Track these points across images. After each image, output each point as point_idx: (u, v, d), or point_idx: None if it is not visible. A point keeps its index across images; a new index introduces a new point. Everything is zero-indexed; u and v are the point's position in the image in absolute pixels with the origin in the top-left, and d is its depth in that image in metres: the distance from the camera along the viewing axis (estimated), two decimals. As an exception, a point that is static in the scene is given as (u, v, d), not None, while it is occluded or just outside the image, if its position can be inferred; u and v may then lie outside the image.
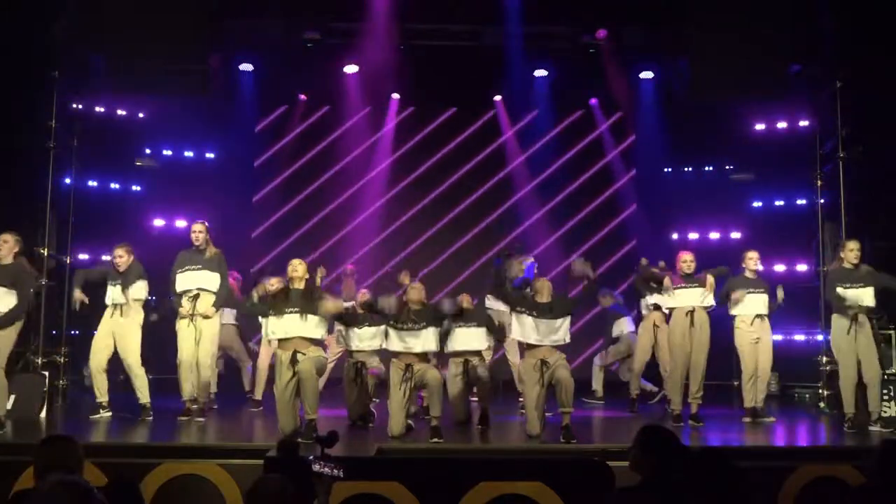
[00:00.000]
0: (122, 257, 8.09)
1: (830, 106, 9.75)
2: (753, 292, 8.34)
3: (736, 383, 11.10)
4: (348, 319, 7.81)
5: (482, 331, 7.77)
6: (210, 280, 7.94)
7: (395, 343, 7.21)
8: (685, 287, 8.20)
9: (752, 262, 8.44)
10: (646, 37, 11.02)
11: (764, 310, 8.34)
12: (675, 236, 12.32)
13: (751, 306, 8.31)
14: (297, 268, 7.09)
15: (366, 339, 7.74)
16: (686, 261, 8.26)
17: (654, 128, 12.19)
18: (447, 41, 11.04)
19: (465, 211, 12.64)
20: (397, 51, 10.90)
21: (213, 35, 10.24)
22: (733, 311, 8.41)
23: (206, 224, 8.11)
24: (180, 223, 12.26)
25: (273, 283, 7.01)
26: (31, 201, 9.49)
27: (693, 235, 12.30)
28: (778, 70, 10.21)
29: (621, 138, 12.78)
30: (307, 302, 6.93)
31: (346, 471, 3.68)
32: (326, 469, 3.64)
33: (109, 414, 7.93)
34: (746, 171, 12.13)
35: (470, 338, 7.68)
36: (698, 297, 8.14)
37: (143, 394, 7.99)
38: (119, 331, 7.99)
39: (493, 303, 9.99)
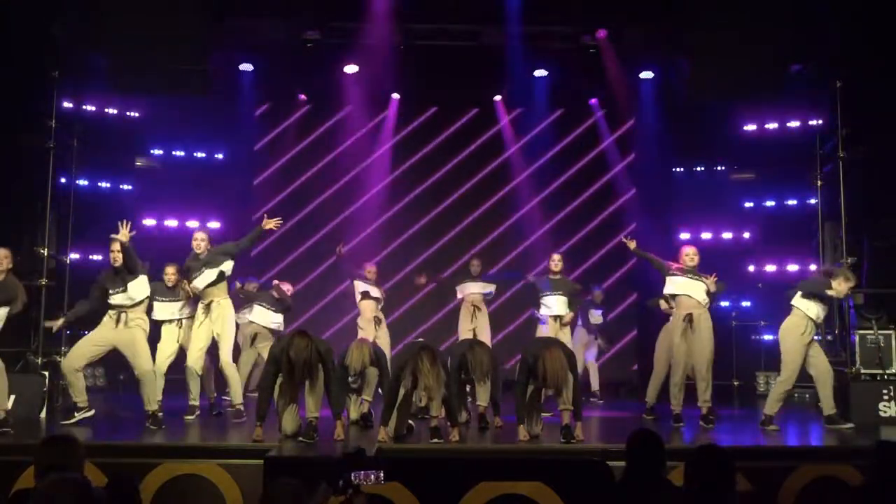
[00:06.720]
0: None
1: (830, 106, 9.76)
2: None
3: (736, 383, 11.12)
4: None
5: None
6: None
7: None
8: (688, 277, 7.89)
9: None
10: (646, 37, 11.02)
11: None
12: (686, 236, 12.27)
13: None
14: None
15: None
16: (689, 254, 8.06)
17: (654, 128, 12.18)
18: (447, 41, 11.03)
19: (462, 207, 12.65)
20: (397, 51, 10.91)
21: (213, 35, 10.24)
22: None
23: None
24: (192, 223, 12.26)
25: None
26: (31, 201, 9.50)
27: (706, 235, 12.29)
28: (778, 70, 10.21)
29: (621, 139, 12.76)
30: None
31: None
32: (364, 478, 3.50)
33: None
34: (747, 170, 12.13)
35: None
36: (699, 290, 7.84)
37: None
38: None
39: None
